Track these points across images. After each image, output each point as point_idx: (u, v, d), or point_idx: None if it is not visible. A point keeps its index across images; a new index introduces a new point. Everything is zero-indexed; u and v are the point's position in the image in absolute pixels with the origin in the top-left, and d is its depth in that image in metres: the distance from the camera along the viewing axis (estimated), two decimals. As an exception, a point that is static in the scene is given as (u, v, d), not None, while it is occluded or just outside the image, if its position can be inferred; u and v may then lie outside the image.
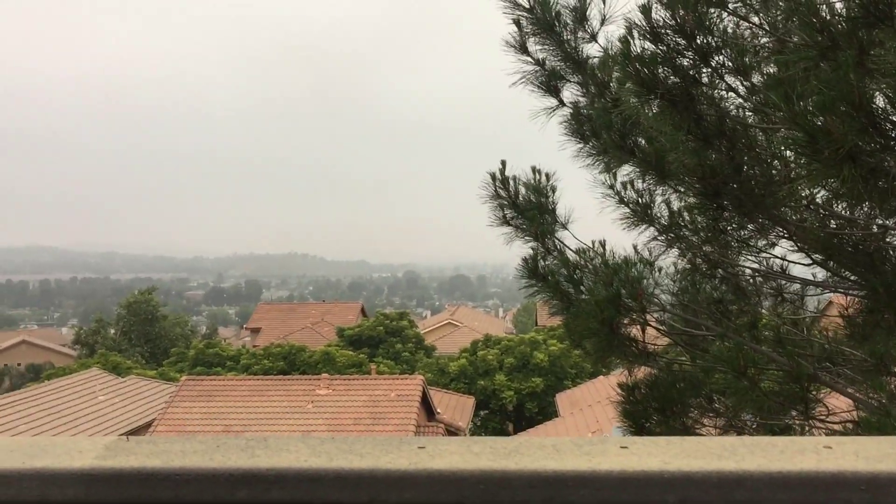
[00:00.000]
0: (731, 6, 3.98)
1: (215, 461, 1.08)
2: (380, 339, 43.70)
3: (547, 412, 33.71)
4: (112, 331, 64.50)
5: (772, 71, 3.95)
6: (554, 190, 5.89)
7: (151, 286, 73.50)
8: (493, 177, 5.86)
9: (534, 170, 5.86)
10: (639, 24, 3.84)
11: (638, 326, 4.89)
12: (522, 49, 5.52)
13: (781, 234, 4.99)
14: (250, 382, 28.17)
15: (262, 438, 1.19)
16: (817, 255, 4.63)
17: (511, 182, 5.86)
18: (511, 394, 35.76)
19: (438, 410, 28.55)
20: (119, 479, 1.06)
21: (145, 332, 62.26)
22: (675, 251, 5.54)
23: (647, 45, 3.83)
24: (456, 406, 31.64)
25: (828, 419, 4.73)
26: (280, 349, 39.50)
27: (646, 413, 5.20)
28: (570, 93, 5.65)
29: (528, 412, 35.80)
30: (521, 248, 5.85)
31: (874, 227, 4.40)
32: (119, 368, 41.94)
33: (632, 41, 3.87)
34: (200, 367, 41.25)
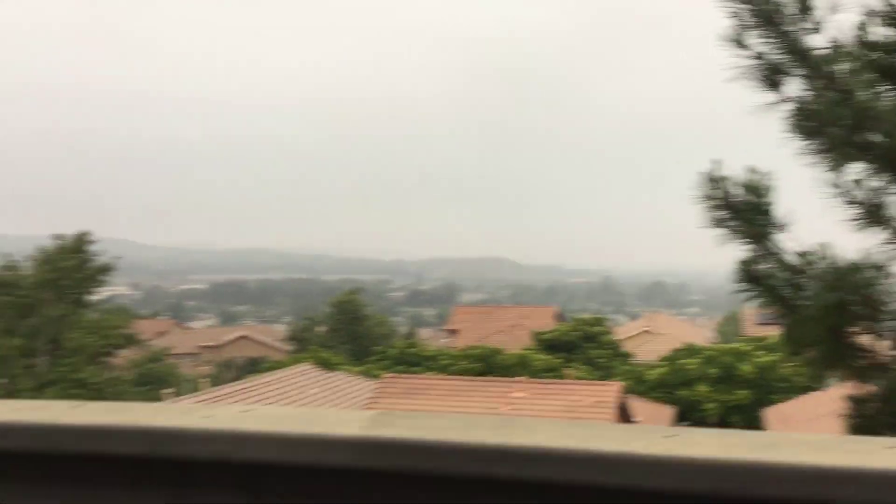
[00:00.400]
0: None
1: (471, 437, 1.17)
2: (575, 345, 43.36)
3: (753, 428, 31.93)
4: (321, 328, 68.48)
5: None
6: (771, 190, 5.58)
7: (357, 287, 77.37)
8: (706, 177, 5.64)
9: (750, 169, 5.59)
10: (876, 9, 3.56)
11: (869, 335, 4.52)
12: (739, 43, 5.28)
13: None
14: (449, 382, 28.90)
15: (510, 419, 1.27)
16: None
17: (724, 182, 5.62)
18: (713, 406, 34.22)
19: (636, 419, 27.88)
20: (385, 448, 1.18)
21: (351, 331, 65.57)
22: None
23: (887, 31, 3.54)
24: (653, 416, 30.75)
25: None
26: (477, 351, 40.21)
27: (879, 428, 4.79)
28: (792, 87, 5.33)
29: (732, 426, 34.09)
30: (731, 255, 5.58)
31: None
32: (328, 364, 44.39)
33: (867, 28, 3.60)
34: (402, 365, 42.85)
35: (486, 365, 38.93)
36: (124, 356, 50.61)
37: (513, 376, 31.91)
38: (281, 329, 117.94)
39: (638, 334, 58.19)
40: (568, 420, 1.26)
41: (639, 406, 30.67)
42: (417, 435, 1.19)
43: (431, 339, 76.17)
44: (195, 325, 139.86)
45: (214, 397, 27.25)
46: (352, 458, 1.19)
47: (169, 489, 1.31)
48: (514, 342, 46.96)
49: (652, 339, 55.40)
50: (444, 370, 39.17)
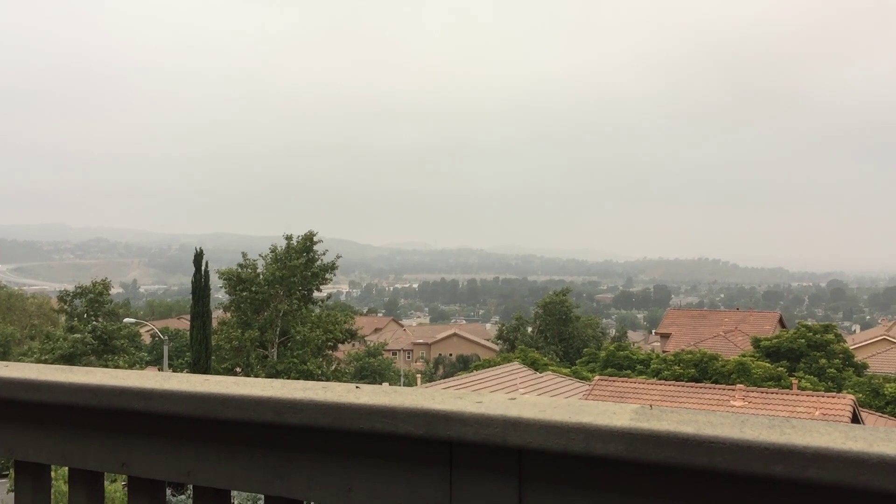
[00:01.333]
0: None
1: (746, 434, 1.16)
2: (801, 353, 40.53)
3: None
4: (529, 328, 68.76)
5: None
6: None
7: (565, 288, 76.81)
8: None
9: None
10: None
11: None
12: None
13: None
14: (661, 387, 27.99)
15: (784, 419, 1.24)
16: None
17: None
18: (965, 426, 30.68)
19: (872, 436, 25.51)
20: (657, 440, 1.19)
21: (559, 332, 65.30)
22: None
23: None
24: (893, 434, 28.00)
25: None
26: (691, 356, 38.65)
27: None
28: None
29: None
30: None
31: None
32: (536, 364, 44.52)
33: None
34: (611, 368, 42.11)
35: (701, 371, 37.35)
36: (345, 350, 53.64)
37: (731, 384, 30.37)
38: (490, 328, 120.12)
39: (873, 343, 53.37)
40: (848, 424, 1.23)
41: (874, 422, 28.10)
42: (690, 430, 1.18)
43: (642, 343, 74.30)
44: (409, 322, 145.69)
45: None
46: (622, 449, 1.21)
47: (442, 468, 1.40)
48: (732, 348, 44.69)
49: (889, 348, 50.70)
50: (655, 375, 38.06)
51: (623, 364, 42.95)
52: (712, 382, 33.75)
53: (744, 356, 38.52)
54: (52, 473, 1.96)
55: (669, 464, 1.18)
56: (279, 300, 42.73)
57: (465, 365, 66.04)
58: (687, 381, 32.97)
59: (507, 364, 40.30)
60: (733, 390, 26.24)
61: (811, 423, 1.24)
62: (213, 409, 1.55)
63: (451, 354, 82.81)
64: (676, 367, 38.01)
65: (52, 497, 1.94)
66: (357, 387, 1.56)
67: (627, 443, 1.20)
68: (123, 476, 1.86)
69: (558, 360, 57.02)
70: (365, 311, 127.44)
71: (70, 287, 47.24)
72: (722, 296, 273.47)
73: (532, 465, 1.33)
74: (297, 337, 42.11)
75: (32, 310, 68.58)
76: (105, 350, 42.36)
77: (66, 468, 1.81)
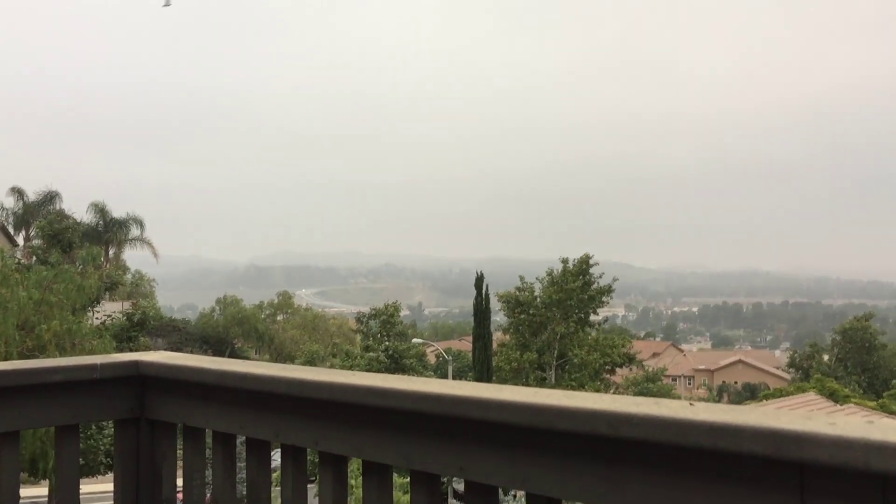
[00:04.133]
0: None
1: None
2: None
3: None
4: (826, 356, 63.22)
5: None
6: None
7: (868, 312, 69.66)
8: None
9: None
10: None
11: None
12: None
13: None
14: None
15: None
16: None
17: None
18: None
19: None
20: None
21: (862, 361, 59.32)
22: None
23: None
24: None
25: None
26: None
27: None
28: None
29: None
30: None
31: None
32: (836, 395, 40.73)
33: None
34: (928, 403, 37.41)
35: None
36: (623, 374, 52.78)
37: None
38: (779, 355, 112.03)
39: None
40: None
41: None
42: None
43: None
44: (688, 347, 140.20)
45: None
46: None
47: (792, 492, 1.32)
48: None
49: None
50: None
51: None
52: None
53: None
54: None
55: None
56: (556, 323, 43.11)
57: (752, 394, 62.16)
58: None
59: (802, 394, 37.29)
60: None
61: None
62: (547, 419, 1.59)
63: (735, 382, 78.50)
64: None
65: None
66: (691, 403, 1.53)
67: None
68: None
69: (861, 391, 51.75)
70: (642, 335, 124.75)
71: (365, 309, 51.33)
72: None
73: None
74: (575, 360, 42.16)
75: (333, 329, 75.61)
76: (396, 368, 45.34)
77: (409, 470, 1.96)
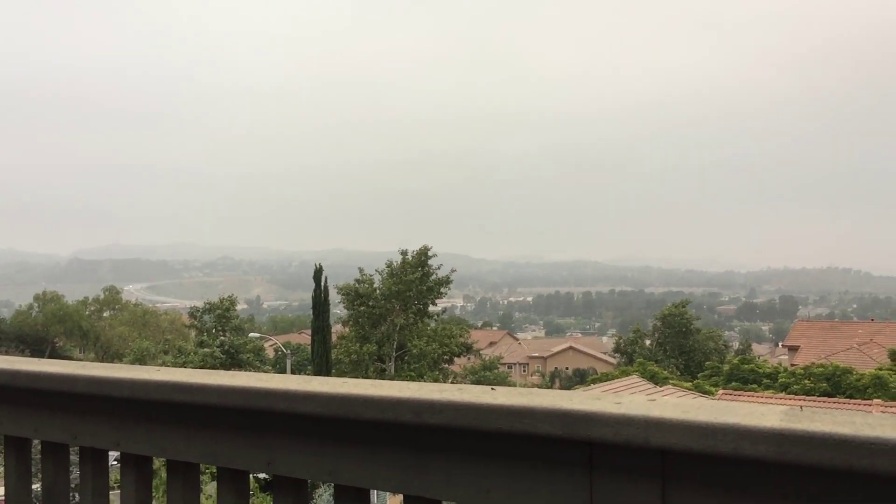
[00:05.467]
0: None
1: None
2: (945, 366, 37.91)
3: None
4: (648, 341, 67.19)
5: None
6: None
7: (684, 299, 74.66)
8: None
9: None
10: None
11: None
12: None
13: None
14: (790, 402, 26.76)
15: None
16: None
17: None
18: None
19: None
20: (811, 441, 1.15)
21: (679, 344, 63.52)
22: None
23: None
24: None
25: None
26: (822, 369, 36.82)
27: None
28: None
29: None
30: None
31: None
32: (656, 377, 43.43)
33: None
34: (735, 381, 40.60)
35: (834, 385, 35.50)
36: (461, 364, 53.88)
37: (867, 398, 28.74)
38: (606, 341, 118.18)
39: None
40: None
41: None
42: (847, 430, 1.14)
43: (768, 356, 71.26)
44: (524, 335, 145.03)
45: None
46: (773, 450, 1.17)
47: (582, 469, 1.39)
48: (867, 361, 42.29)
49: None
50: (784, 389, 36.44)
51: (748, 378, 41.30)
52: (846, 397, 32.03)
53: (881, 369, 36.38)
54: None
55: (824, 466, 1.15)
56: (396, 314, 43.45)
57: (581, 378, 65.20)
58: (818, 396, 31.43)
59: (626, 377, 39.53)
60: (870, 405, 24.82)
61: None
62: (353, 409, 1.60)
63: (567, 368, 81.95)
64: (806, 382, 36.26)
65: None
66: (492, 388, 1.57)
67: (778, 444, 1.17)
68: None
69: (679, 373, 55.44)
70: (480, 324, 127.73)
71: (199, 304, 49.58)
72: (854, 306, 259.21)
73: (676, 467, 1.31)
74: (414, 350, 42.64)
75: (165, 325, 72.39)
76: (232, 363, 44.15)
77: (214, 467, 1.90)
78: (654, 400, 1.39)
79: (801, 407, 1.29)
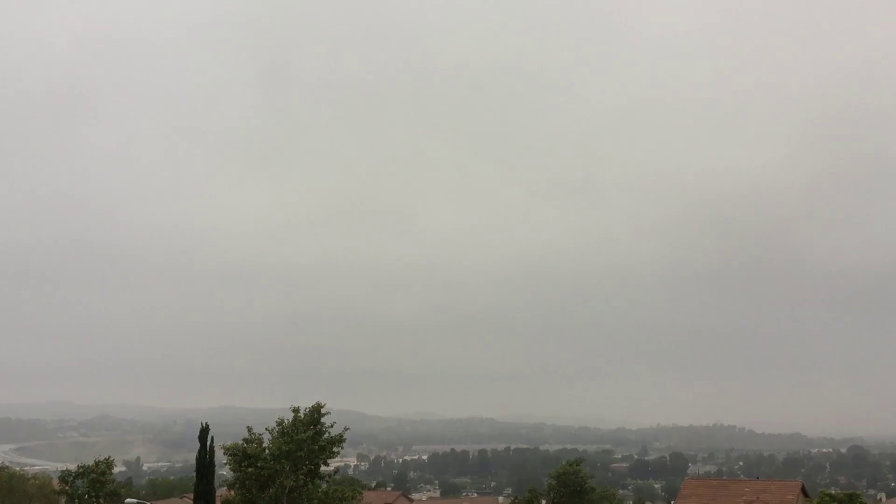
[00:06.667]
0: None
1: None
2: (827, 523, 38.94)
3: None
4: (543, 501, 66.50)
5: None
6: None
7: (578, 458, 74.98)
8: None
9: None
10: None
11: None
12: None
13: None
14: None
15: None
16: None
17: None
18: None
19: None
20: None
21: (575, 503, 63.13)
22: None
23: None
24: None
25: None
26: (713, 528, 37.15)
27: None
28: None
29: None
30: None
31: None
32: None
33: None
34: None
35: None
36: (353, 528, 51.63)
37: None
38: (503, 501, 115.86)
39: (901, 512, 51.27)
40: None
41: None
42: None
43: (661, 515, 71.35)
44: (419, 496, 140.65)
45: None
46: None
47: None
48: (755, 519, 42.93)
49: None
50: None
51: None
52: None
53: (768, 528, 37.00)
54: None
55: None
56: (285, 476, 41.67)
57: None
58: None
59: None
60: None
61: None
62: None
63: (463, 530, 79.54)
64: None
65: None
66: None
67: None
68: None
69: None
70: (373, 485, 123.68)
71: (73, 467, 46.40)
72: (741, 463, 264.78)
73: None
74: (304, 515, 40.75)
75: (33, 491, 66.73)
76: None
77: None
78: None
79: None
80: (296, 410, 43.63)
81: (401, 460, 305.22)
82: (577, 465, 67.36)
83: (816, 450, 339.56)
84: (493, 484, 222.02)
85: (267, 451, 42.22)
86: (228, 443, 43.49)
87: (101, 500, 42.96)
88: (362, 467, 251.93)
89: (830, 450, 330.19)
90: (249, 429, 43.95)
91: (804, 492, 51.36)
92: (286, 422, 43.33)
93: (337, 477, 49.84)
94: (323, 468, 44.40)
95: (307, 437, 42.12)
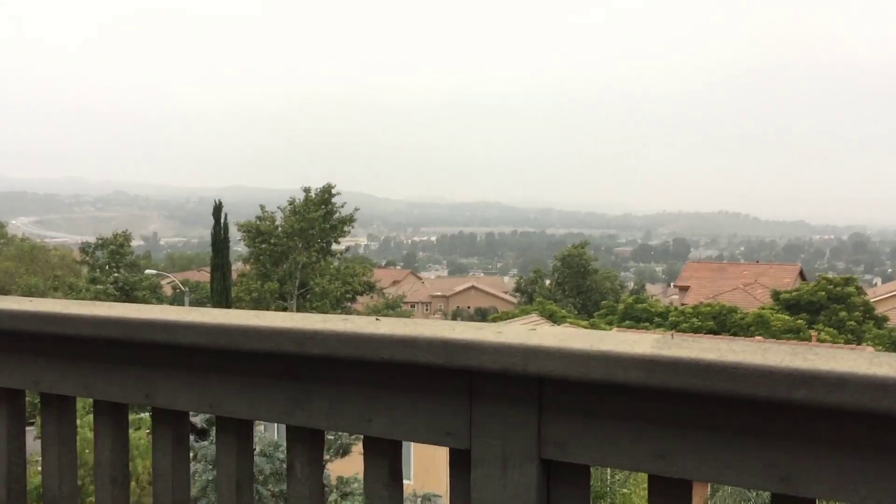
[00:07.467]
0: None
1: (769, 360, 1.16)
2: (821, 306, 40.39)
3: None
4: (547, 281, 68.84)
5: None
6: None
7: (583, 241, 76.59)
8: None
9: None
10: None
11: None
12: None
13: None
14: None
15: (807, 347, 1.27)
16: None
17: None
18: None
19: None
20: (678, 367, 1.20)
21: (577, 285, 65.34)
22: None
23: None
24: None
25: None
26: (710, 308, 38.64)
27: None
28: None
29: None
30: None
31: None
32: (555, 316, 44.69)
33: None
34: (629, 320, 42.19)
35: (720, 323, 37.36)
36: (363, 302, 53.97)
37: (749, 336, 30.37)
38: (508, 281, 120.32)
39: (894, 296, 53.04)
40: (875, 352, 1.24)
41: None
42: (713, 357, 1.18)
43: (660, 296, 74.23)
44: (427, 275, 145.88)
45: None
46: (643, 376, 1.22)
47: (462, 397, 1.41)
48: (751, 301, 44.59)
49: (911, 302, 50.31)
50: (674, 327, 38.11)
51: (641, 317, 43.00)
52: (731, 335, 33.77)
53: (763, 309, 38.45)
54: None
55: (690, 390, 1.20)
56: (298, 252, 42.95)
57: (483, 317, 66.32)
58: (705, 334, 33.04)
59: (525, 316, 40.51)
60: (752, 342, 26.25)
61: (835, 350, 1.24)
62: (235, 340, 1.56)
63: (469, 307, 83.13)
64: (695, 320, 38.03)
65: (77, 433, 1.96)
66: (377, 318, 1.56)
67: (648, 370, 1.21)
68: (147, 424, 1.87)
69: (576, 312, 57.17)
70: (383, 263, 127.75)
71: (91, 239, 47.75)
72: (742, 249, 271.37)
73: (552, 393, 1.34)
74: (317, 289, 42.40)
75: (55, 262, 69.25)
76: (127, 301, 42.93)
77: (91, 400, 1.83)
78: (535, 330, 1.41)
79: (671, 335, 1.33)
80: (307, 190, 44.16)
81: (410, 241, 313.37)
82: (582, 248, 68.97)
83: (818, 237, 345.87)
84: (499, 265, 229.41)
85: (280, 228, 43.24)
86: (242, 221, 44.46)
87: (120, 271, 44.60)
88: (373, 247, 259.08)
89: (832, 237, 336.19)
90: (262, 207, 44.72)
91: (801, 276, 52.89)
92: (298, 201, 44.00)
93: (348, 255, 51.31)
94: (334, 246, 45.64)
95: (318, 216, 42.94)
